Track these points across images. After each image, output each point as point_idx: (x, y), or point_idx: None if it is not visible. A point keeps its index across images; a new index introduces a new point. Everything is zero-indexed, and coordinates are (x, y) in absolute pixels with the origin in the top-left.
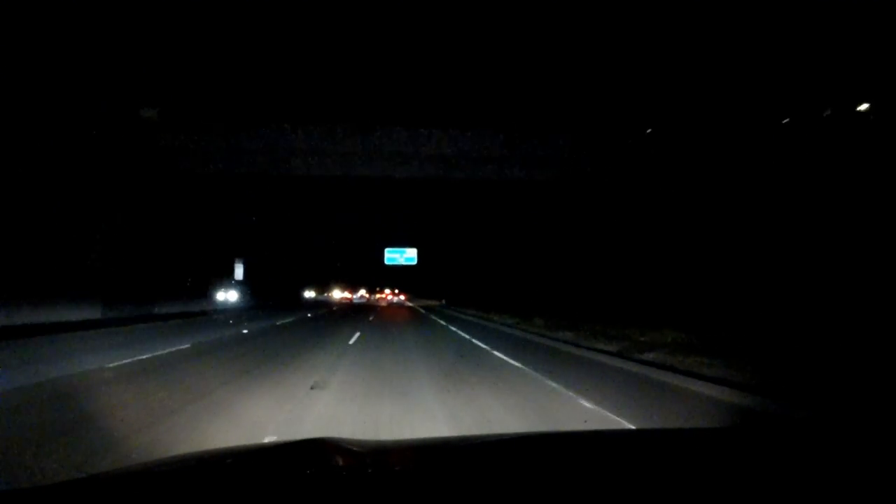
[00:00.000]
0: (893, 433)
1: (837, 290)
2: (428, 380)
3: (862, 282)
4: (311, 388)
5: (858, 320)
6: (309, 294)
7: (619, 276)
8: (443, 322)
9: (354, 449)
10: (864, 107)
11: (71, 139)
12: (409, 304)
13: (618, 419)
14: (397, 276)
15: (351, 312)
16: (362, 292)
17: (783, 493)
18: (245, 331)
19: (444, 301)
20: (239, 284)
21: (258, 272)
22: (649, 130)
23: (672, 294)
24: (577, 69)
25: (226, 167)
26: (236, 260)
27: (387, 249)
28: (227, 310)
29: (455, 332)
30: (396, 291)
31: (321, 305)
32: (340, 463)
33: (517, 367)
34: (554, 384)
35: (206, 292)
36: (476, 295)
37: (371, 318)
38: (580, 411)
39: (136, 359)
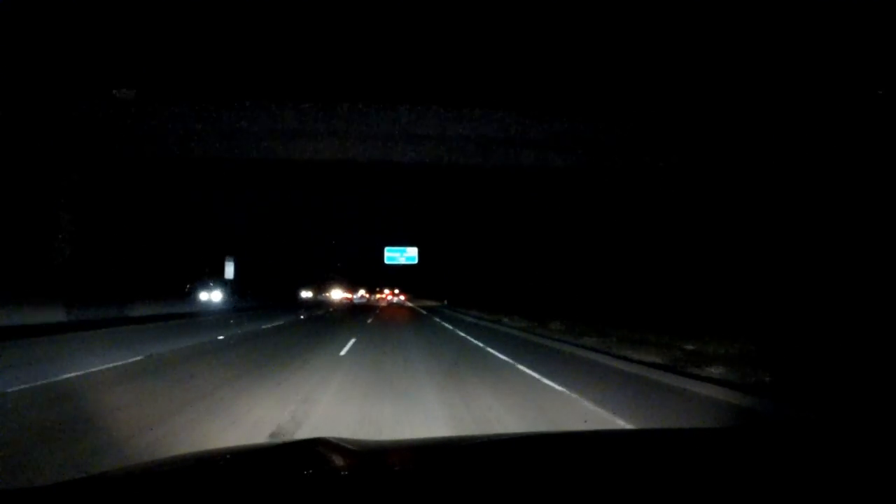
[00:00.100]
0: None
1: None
2: (441, 411)
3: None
4: (270, 436)
5: None
6: (307, 294)
7: (639, 276)
8: (448, 325)
9: (353, 449)
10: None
11: (27, 121)
12: (410, 304)
13: None
14: (397, 276)
15: (348, 314)
16: (362, 292)
17: (783, 493)
18: (221, 337)
19: (445, 301)
20: (228, 284)
21: (252, 272)
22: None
23: (698, 296)
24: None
25: (208, 150)
26: (227, 258)
27: (387, 248)
28: (211, 312)
29: (465, 338)
30: (397, 291)
31: (318, 306)
32: (339, 463)
33: (551, 387)
34: (618, 419)
35: (190, 293)
36: (479, 296)
37: (370, 321)
38: None
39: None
